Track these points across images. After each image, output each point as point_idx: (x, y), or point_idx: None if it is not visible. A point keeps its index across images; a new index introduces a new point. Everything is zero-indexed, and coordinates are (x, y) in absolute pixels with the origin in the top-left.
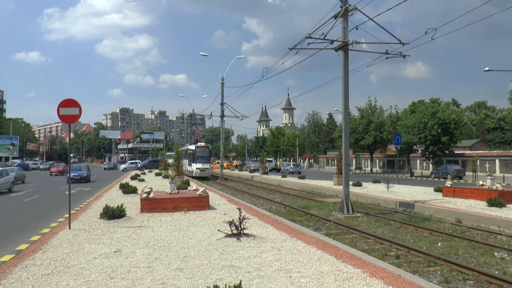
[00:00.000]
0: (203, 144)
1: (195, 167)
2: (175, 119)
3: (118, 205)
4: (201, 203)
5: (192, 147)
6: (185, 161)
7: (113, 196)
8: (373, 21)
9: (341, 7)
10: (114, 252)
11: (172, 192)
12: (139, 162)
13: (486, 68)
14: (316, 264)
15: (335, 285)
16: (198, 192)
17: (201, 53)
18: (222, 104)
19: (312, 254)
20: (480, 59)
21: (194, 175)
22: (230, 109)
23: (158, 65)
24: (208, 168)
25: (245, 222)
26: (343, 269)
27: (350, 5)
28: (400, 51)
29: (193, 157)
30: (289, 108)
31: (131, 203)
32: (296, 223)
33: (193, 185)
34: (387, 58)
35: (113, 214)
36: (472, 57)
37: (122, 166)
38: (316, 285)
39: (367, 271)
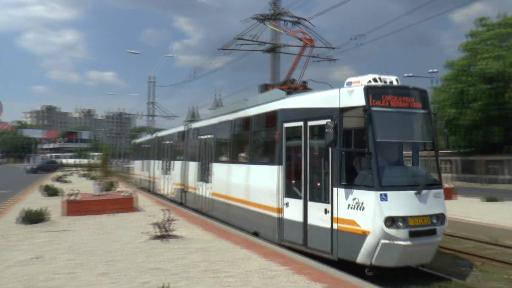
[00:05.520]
0: (394, 80)
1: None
2: (104, 118)
3: (40, 208)
4: (129, 205)
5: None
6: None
7: (35, 199)
8: (304, 25)
9: (273, 10)
10: (34, 258)
11: (98, 194)
12: None
13: (409, 74)
14: (243, 263)
15: (261, 283)
16: (125, 194)
17: (131, 50)
18: (152, 103)
19: (239, 253)
20: (403, 64)
21: (373, 262)
22: (161, 108)
23: (86, 61)
24: (443, 215)
25: (173, 223)
26: (270, 267)
27: (283, 8)
28: (329, 56)
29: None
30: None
31: (55, 206)
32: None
33: (121, 186)
34: (318, 61)
35: (34, 217)
36: (400, 62)
37: None
38: (243, 284)
39: (294, 269)
